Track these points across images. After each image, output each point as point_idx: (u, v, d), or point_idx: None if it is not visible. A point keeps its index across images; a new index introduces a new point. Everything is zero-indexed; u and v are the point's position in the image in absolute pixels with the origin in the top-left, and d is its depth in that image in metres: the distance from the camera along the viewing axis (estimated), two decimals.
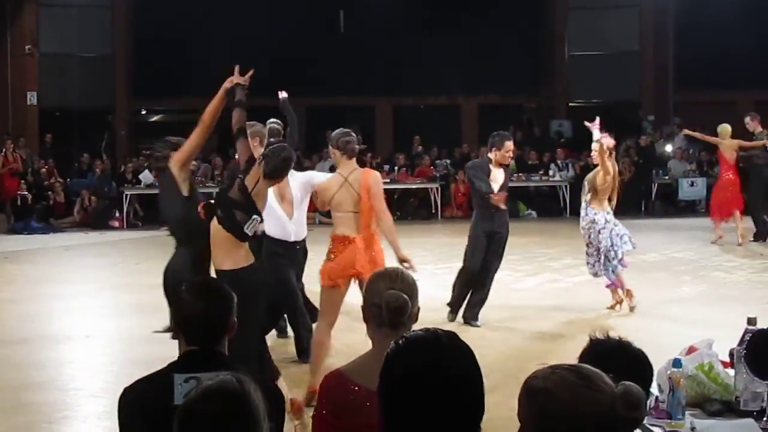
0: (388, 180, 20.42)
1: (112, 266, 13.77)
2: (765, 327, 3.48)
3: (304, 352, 7.14)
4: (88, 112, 22.74)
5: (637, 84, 24.79)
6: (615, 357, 2.67)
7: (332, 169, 8.42)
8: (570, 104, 24.61)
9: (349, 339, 6.78)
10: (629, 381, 2.07)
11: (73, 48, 22.34)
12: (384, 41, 22.66)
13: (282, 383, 5.40)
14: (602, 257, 9.26)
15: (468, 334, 7.26)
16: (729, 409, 3.48)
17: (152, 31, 22.46)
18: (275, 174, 5.64)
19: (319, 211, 13.53)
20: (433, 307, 8.39)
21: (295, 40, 21.99)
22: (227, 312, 3.12)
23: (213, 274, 5.52)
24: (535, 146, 22.05)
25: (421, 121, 23.90)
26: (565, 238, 14.55)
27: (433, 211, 20.42)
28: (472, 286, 8.90)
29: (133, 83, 23.71)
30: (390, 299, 2.98)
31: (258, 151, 6.35)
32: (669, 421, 3.31)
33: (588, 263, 9.47)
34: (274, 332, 7.95)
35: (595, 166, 9.42)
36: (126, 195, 19.19)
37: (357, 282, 6.30)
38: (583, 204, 9.48)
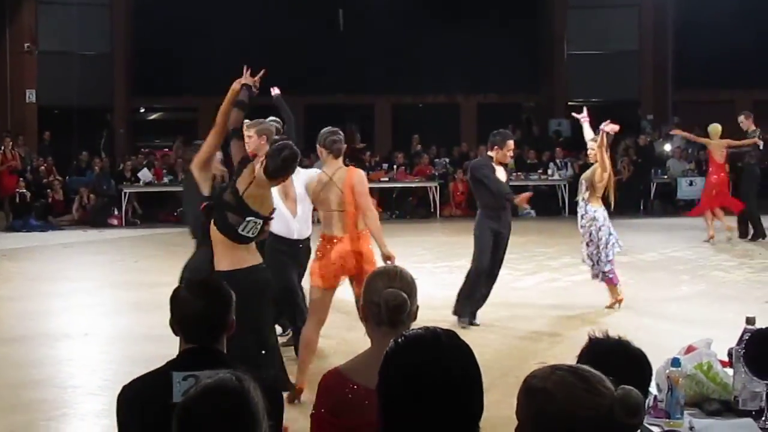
0: (387, 179, 20.46)
1: (111, 264, 13.78)
2: (764, 326, 3.48)
3: None
4: (87, 110, 22.71)
5: (636, 83, 24.80)
6: (614, 356, 2.67)
7: None
8: (569, 103, 24.56)
9: (348, 337, 6.79)
10: (628, 380, 2.07)
11: (72, 46, 22.30)
12: (383, 40, 22.64)
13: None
14: (602, 254, 9.29)
15: (467, 333, 7.27)
16: (728, 408, 3.48)
17: (151, 30, 22.46)
18: (276, 174, 5.57)
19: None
20: (432, 305, 8.38)
21: (294, 38, 21.97)
22: (226, 310, 3.12)
23: None
24: (533, 145, 22.04)
25: (420, 119, 23.91)
26: (563, 237, 14.55)
27: (432, 209, 20.41)
28: (480, 285, 8.86)
29: (132, 81, 23.71)
30: (389, 297, 2.97)
31: (264, 149, 6.38)
32: (668, 420, 3.31)
33: (589, 262, 9.46)
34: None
35: (591, 164, 9.48)
36: (125, 193, 19.18)
37: (348, 281, 6.36)
38: (581, 203, 9.50)
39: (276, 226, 7.17)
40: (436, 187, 20.34)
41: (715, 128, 14.75)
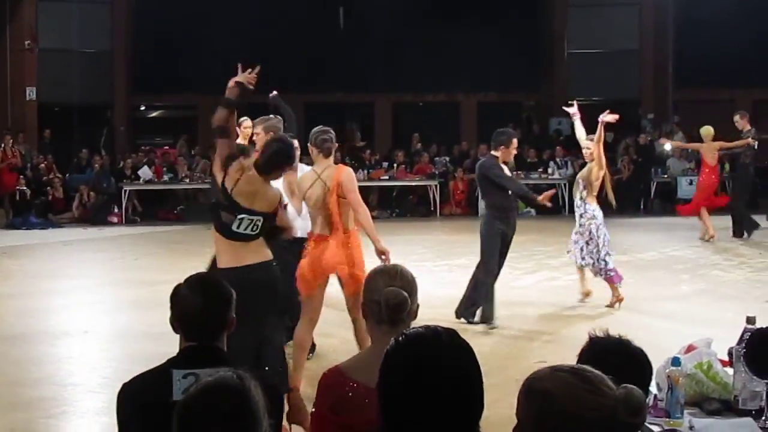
0: (387, 177, 20.46)
1: (111, 262, 13.77)
2: (764, 326, 3.47)
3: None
4: (87, 108, 22.70)
5: (636, 82, 24.78)
6: (614, 355, 2.66)
7: None
8: (569, 102, 24.57)
9: (348, 336, 6.79)
10: (628, 379, 2.06)
11: (73, 43, 22.29)
12: (383, 38, 22.63)
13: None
14: (602, 252, 9.30)
15: (466, 331, 7.27)
16: (728, 407, 3.48)
17: (151, 27, 22.44)
18: (267, 169, 5.53)
19: None
20: (432, 304, 8.38)
21: (294, 36, 21.97)
22: (226, 308, 3.12)
23: None
24: (534, 144, 22.03)
25: (421, 118, 23.90)
26: (563, 236, 14.45)
27: (432, 208, 20.40)
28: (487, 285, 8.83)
29: (133, 79, 23.69)
30: (389, 296, 2.98)
31: None
32: (668, 419, 3.30)
33: (589, 260, 9.46)
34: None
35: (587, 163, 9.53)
36: (125, 191, 19.16)
37: (338, 279, 6.39)
38: (579, 202, 9.53)
39: None
40: (436, 186, 20.33)
41: (707, 130, 14.84)
